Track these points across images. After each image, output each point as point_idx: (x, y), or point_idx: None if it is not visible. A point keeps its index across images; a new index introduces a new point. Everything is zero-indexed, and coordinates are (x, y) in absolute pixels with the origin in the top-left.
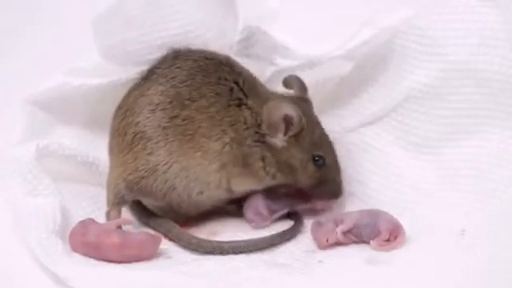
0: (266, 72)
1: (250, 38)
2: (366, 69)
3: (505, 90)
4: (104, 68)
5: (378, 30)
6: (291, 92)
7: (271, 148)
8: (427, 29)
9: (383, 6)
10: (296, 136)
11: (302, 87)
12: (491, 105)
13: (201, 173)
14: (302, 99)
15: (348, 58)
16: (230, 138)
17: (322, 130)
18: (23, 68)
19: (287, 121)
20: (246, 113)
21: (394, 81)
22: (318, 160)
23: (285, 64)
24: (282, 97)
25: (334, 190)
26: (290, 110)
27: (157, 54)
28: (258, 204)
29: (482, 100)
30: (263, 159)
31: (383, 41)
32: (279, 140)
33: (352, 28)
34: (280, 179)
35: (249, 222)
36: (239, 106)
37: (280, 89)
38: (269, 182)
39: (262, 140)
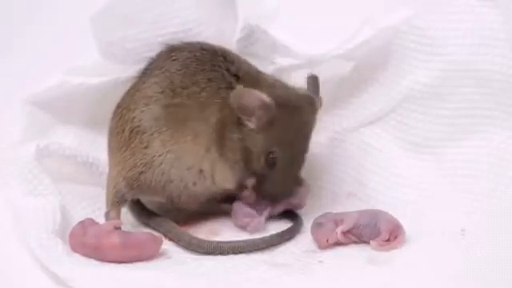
0: (266, 71)
1: (250, 37)
2: (366, 69)
3: (505, 90)
4: (104, 67)
5: (377, 30)
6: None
7: (242, 130)
8: (427, 29)
9: (383, 6)
10: (266, 125)
11: (313, 88)
12: (491, 105)
13: (192, 159)
14: (302, 97)
15: (348, 57)
16: (216, 118)
17: (299, 136)
18: (23, 68)
19: (260, 107)
20: None
21: (393, 81)
22: (270, 158)
23: (285, 63)
24: (270, 85)
25: (270, 194)
26: (263, 98)
27: (156, 51)
28: (241, 209)
29: (482, 100)
30: (233, 140)
31: (383, 41)
32: (252, 124)
33: (352, 28)
34: (244, 167)
35: (243, 227)
36: (229, 88)
37: None
38: (238, 169)
39: (239, 122)
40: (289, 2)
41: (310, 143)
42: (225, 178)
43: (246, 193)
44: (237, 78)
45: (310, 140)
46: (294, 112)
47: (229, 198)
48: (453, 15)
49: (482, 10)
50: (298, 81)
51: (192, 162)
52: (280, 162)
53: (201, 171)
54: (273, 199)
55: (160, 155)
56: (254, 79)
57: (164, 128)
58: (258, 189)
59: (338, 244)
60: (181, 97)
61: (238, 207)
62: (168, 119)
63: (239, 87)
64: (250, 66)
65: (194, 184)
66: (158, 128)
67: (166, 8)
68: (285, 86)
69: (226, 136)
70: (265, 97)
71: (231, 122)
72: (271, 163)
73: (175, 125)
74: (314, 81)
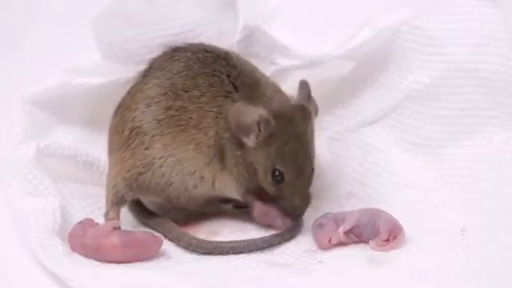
0: (266, 71)
1: (250, 38)
2: (366, 69)
3: (505, 90)
4: (104, 67)
5: (377, 29)
6: (293, 96)
7: (242, 146)
8: (427, 29)
9: (383, 6)
10: (265, 140)
11: (304, 95)
12: (491, 105)
13: (195, 166)
14: (294, 107)
15: (348, 58)
16: (214, 131)
17: (299, 146)
18: (23, 67)
19: (259, 124)
20: (229, 106)
21: (394, 81)
22: (276, 175)
23: (285, 64)
24: (267, 98)
25: (290, 210)
26: (262, 113)
27: (157, 53)
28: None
29: (482, 100)
30: (235, 156)
31: (383, 41)
32: (251, 141)
33: (352, 28)
34: (251, 180)
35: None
36: (226, 97)
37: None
38: (243, 181)
39: (238, 139)
40: (289, 3)
41: (313, 150)
42: (231, 189)
43: (257, 211)
44: (235, 86)
45: (312, 147)
46: (290, 124)
47: (229, 199)
48: (453, 15)
49: (482, 10)
50: (298, 81)
51: (194, 169)
52: (287, 176)
53: (202, 177)
54: (293, 215)
55: (161, 158)
56: (252, 90)
57: (166, 131)
58: (279, 204)
59: (338, 244)
60: (182, 100)
61: (260, 212)
62: (169, 122)
63: (236, 104)
64: (251, 70)
65: (195, 187)
66: (159, 130)
67: (166, 9)
68: (280, 97)
69: (227, 152)
70: (263, 112)
71: (230, 138)
72: (279, 180)
73: (177, 129)
74: (304, 86)
